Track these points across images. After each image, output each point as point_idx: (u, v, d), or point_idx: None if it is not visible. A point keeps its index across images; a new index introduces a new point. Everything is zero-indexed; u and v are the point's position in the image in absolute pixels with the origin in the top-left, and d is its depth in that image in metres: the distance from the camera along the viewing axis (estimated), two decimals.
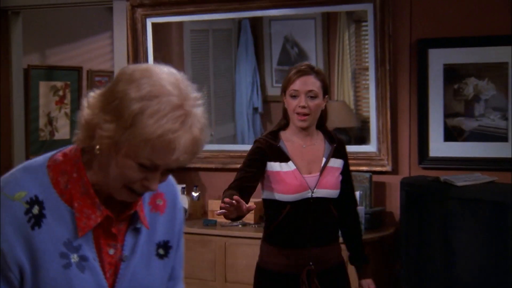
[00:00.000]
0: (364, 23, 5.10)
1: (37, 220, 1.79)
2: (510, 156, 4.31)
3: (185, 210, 4.91)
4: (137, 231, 1.93)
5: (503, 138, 4.35)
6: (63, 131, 6.86)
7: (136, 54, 5.29)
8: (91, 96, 1.78)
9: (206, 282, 4.61)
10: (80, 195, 1.83)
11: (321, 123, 3.43)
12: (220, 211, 2.92)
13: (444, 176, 4.03)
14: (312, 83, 3.30)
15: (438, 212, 4.00)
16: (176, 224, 2.02)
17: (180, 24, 5.54)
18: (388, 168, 4.62)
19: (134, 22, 5.25)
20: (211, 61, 6.02)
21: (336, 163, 3.40)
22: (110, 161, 1.77)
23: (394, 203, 4.56)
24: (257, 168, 3.32)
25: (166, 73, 1.77)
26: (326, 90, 3.37)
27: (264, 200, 3.43)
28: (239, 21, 5.74)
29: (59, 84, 6.86)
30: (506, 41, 4.30)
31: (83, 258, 1.83)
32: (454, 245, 3.92)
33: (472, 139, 4.43)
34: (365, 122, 5.14)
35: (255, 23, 5.68)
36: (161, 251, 1.98)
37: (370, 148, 4.68)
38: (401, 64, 4.58)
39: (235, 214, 2.97)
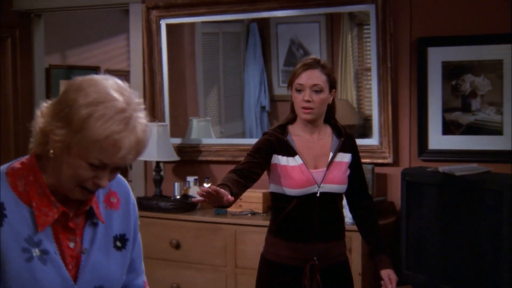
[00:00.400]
0: (366, 26, 5.10)
1: None
2: (504, 149, 4.30)
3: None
4: (94, 225, 2.01)
5: (498, 132, 4.35)
6: None
7: (151, 53, 5.29)
8: (44, 106, 1.90)
9: (217, 267, 4.60)
10: (37, 196, 1.91)
11: (329, 117, 3.28)
12: (197, 198, 2.74)
13: (442, 167, 4.03)
14: (317, 77, 3.14)
15: (437, 200, 3.99)
16: (131, 218, 2.12)
17: (192, 26, 5.55)
18: (389, 160, 4.61)
19: (149, 23, 5.26)
20: (221, 62, 6.02)
21: (344, 157, 3.24)
22: (63, 163, 1.86)
23: (395, 193, 4.56)
24: (264, 157, 3.16)
25: (110, 82, 1.88)
26: (333, 84, 3.20)
27: (271, 193, 3.29)
28: (248, 24, 5.75)
29: None
30: (501, 40, 4.30)
31: (44, 252, 1.90)
32: (452, 231, 3.91)
33: (469, 133, 4.42)
34: (367, 120, 5.14)
35: (263, 26, 5.68)
36: (118, 243, 2.07)
37: (372, 141, 4.67)
38: (401, 62, 4.58)
39: (215, 204, 2.81)
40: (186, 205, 4.83)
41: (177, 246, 4.72)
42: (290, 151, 3.16)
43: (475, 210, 3.81)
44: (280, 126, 3.24)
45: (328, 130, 3.27)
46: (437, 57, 4.47)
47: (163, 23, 5.25)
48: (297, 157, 3.15)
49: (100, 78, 1.89)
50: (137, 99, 1.89)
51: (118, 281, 2.07)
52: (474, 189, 3.82)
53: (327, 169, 3.17)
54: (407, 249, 4.13)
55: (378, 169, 4.60)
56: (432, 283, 3.97)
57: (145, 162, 5.35)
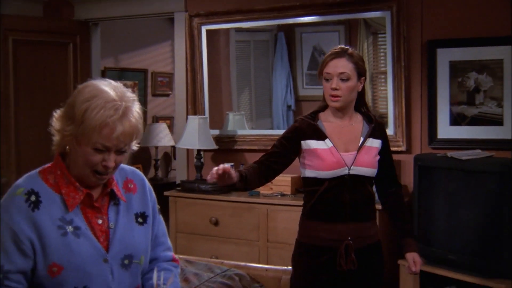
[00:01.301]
0: (380, 35, 5.07)
1: (36, 205, 2.03)
2: (504, 137, 4.28)
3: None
4: (117, 205, 2.16)
5: (499, 123, 4.33)
6: None
7: (193, 55, 5.32)
8: (57, 113, 2.09)
9: (251, 242, 4.63)
10: (65, 185, 2.07)
11: (359, 105, 3.00)
12: (210, 178, 2.64)
13: (450, 152, 4.02)
14: (343, 65, 2.87)
15: (445, 182, 3.99)
16: (148, 200, 2.26)
17: (227, 33, 5.56)
18: (403, 148, 4.61)
19: (191, 29, 5.29)
20: (252, 67, 6.03)
21: (374, 143, 2.97)
22: (76, 153, 2.04)
23: (408, 178, 4.55)
24: (288, 146, 2.95)
25: (104, 83, 2.06)
26: (362, 72, 2.91)
27: (303, 178, 3.02)
28: (275, 33, 5.75)
29: (129, 83, 6.90)
30: (501, 42, 4.28)
31: (76, 228, 2.06)
32: (459, 208, 3.91)
33: (473, 124, 4.41)
34: (381, 117, 5.12)
35: (289, 35, 5.68)
36: (140, 219, 2.21)
37: (388, 131, 4.57)
38: (413, 61, 4.57)
39: (224, 184, 2.71)
40: (223, 187, 4.83)
41: (216, 223, 4.75)
42: (320, 135, 2.92)
43: (479, 189, 3.81)
44: (312, 113, 3.01)
45: (358, 117, 3.01)
46: (445, 57, 4.46)
47: (203, 29, 5.28)
48: (327, 140, 2.91)
49: (95, 81, 2.07)
50: (131, 95, 2.06)
51: (144, 250, 2.19)
52: (478, 172, 3.81)
53: (357, 153, 2.91)
54: (418, 225, 4.13)
55: (393, 156, 4.55)
56: (441, 254, 3.97)
57: (188, 150, 5.39)
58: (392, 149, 4.50)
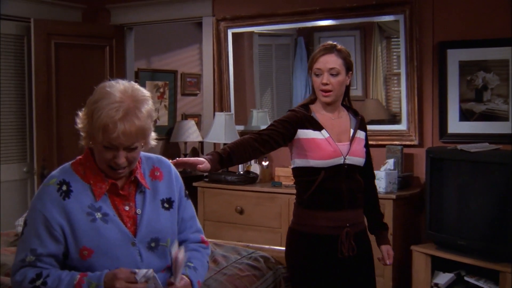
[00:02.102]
0: (393, 39, 5.08)
1: (67, 193, 2.07)
2: (510, 132, 4.28)
3: (257, 176, 4.98)
4: (143, 193, 2.18)
5: (505, 118, 4.32)
6: (163, 119, 6.97)
7: (220, 57, 5.37)
8: (81, 112, 2.13)
9: (273, 229, 4.66)
10: (93, 176, 2.10)
11: (343, 99, 2.93)
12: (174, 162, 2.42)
13: (460, 145, 4.04)
14: (333, 61, 2.79)
15: (456, 173, 4.01)
16: (174, 186, 2.25)
17: (251, 36, 5.59)
18: (415, 142, 4.61)
19: (218, 32, 5.33)
20: (274, 69, 6.04)
21: (361, 134, 2.94)
22: (94, 149, 2.09)
23: (420, 170, 4.57)
24: (287, 130, 2.81)
25: (115, 85, 2.06)
26: (349, 67, 2.85)
27: (296, 168, 2.89)
28: (295, 38, 5.77)
29: (160, 83, 6.99)
30: (507, 43, 4.28)
31: (104, 215, 2.09)
32: (468, 198, 3.93)
33: (481, 119, 4.40)
34: (394, 116, 5.12)
35: (308, 39, 5.70)
36: (166, 205, 2.22)
37: (401, 127, 4.68)
38: (425, 61, 4.58)
39: (193, 169, 2.49)
40: (248, 178, 4.90)
41: (241, 212, 4.79)
42: (317, 126, 2.83)
43: (487, 179, 3.82)
44: (303, 106, 2.91)
45: (344, 110, 2.96)
46: (455, 57, 4.46)
47: (229, 32, 5.32)
48: (323, 131, 2.82)
49: (107, 83, 2.08)
50: (142, 95, 2.05)
51: (170, 234, 2.20)
52: (486, 163, 3.83)
53: (351, 143, 2.87)
54: (430, 213, 4.14)
55: (406, 150, 4.61)
56: (450, 240, 3.99)
57: (214, 144, 5.44)
58: (406, 143, 4.61)
